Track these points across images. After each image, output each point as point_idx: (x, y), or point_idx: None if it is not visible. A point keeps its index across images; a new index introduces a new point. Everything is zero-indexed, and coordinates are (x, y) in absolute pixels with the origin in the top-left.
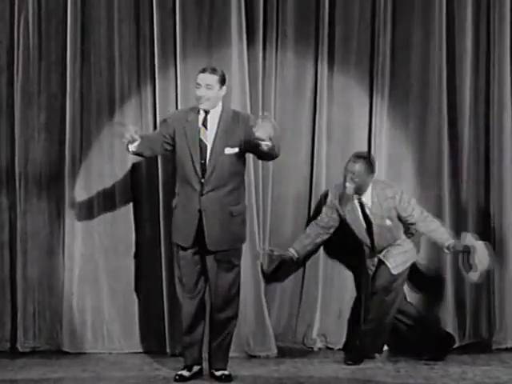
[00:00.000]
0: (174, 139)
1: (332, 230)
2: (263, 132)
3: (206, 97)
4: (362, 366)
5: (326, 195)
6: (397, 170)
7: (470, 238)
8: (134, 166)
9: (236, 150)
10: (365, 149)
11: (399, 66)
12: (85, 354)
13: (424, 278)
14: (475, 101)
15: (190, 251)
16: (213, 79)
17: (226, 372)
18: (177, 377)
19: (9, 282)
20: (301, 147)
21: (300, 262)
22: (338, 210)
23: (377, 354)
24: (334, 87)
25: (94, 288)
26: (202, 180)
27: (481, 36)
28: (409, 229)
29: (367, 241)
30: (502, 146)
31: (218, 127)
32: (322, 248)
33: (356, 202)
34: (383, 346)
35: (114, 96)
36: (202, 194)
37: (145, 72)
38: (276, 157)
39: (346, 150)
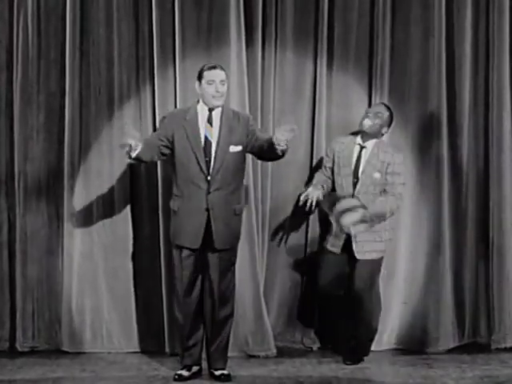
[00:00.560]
0: (172, 142)
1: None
2: (283, 136)
3: (221, 92)
4: (361, 366)
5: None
6: None
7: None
8: (133, 166)
9: (240, 148)
10: None
11: (398, 65)
12: (84, 353)
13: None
14: (474, 101)
15: (194, 252)
16: (224, 75)
17: (225, 372)
18: (176, 376)
19: (8, 282)
20: (300, 145)
21: None
22: (333, 155)
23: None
24: (333, 86)
25: (93, 288)
26: (209, 177)
27: (480, 36)
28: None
29: (349, 189)
30: (502, 146)
31: (221, 125)
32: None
33: (357, 146)
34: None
35: (113, 95)
36: (208, 193)
37: (144, 71)
38: (281, 158)
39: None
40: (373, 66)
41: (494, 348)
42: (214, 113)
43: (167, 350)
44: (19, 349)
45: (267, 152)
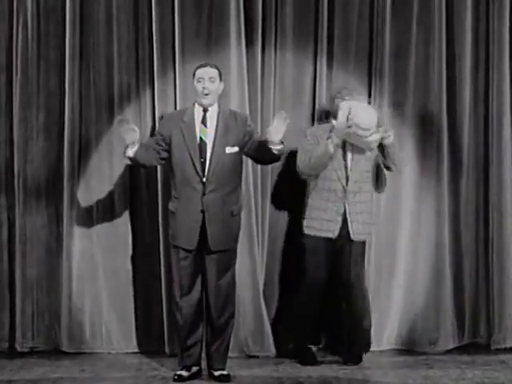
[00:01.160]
0: (169, 144)
1: None
2: (276, 133)
3: (210, 89)
4: (361, 366)
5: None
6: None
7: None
8: (133, 166)
9: (236, 149)
10: None
11: (398, 66)
12: (83, 354)
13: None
14: (475, 101)
15: (191, 253)
16: (214, 73)
17: (224, 372)
18: (175, 377)
19: (7, 282)
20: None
21: None
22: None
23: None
24: (333, 87)
25: (93, 288)
26: (204, 179)
27: (480, 36)
28: None
29: (342, 172)
30: (502, 147)
31: (217, 126)
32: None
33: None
34: None
35: (112, 96)
36: (203, 194)
37: (144, 72)
38: (277, 161)
39: None
40: (373, 67)
41: (493, 348)
42: (208, 113)
43: (167, 350)
44: (19, 349)
45: (264, 153)
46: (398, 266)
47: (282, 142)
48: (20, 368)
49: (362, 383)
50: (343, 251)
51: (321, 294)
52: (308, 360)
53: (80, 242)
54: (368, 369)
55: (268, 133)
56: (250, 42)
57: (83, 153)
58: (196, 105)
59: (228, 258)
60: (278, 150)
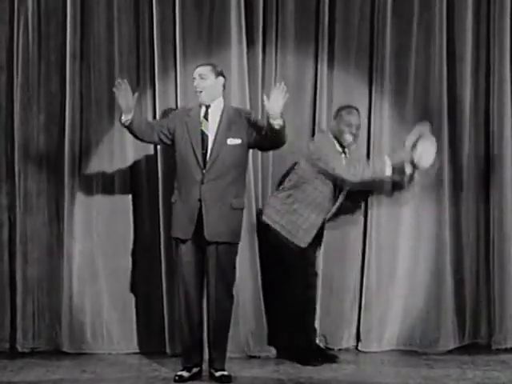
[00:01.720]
0: (173, 134)
1: None
2: (275, 104)
3: (201, 86)
4: (362, 366)
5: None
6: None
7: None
8: (134, 166)
9: (238, 141)
10: (364, 148)
11: (399, 65)
12: (84, 354)
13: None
14: (475, 101)
15: (190, 246)
16: (205, 69)
17: (225, 373)
18: (176, 377)
19: (8, 282)
20: (301, 147)
21: None
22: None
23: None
24: (334, 87)
25: (94, 288)
26: (204, 170)
27: (481, 36)
28: None
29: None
30: (503, 147)
31: (220, 120)
32: (322, 248)
33: (342, 155)
34: None
35: (113, 96)
36: (202, 183)
37: (144, 72)
38: (283, 143)
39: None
40: (373, 67)
41: (494, 349)
42: (210, 109)
43: (167, 350)
44: (19, 350)
45: (267, 134)
46: (398, 266)
47: (283, 117)
48: (21, 368)
49: None
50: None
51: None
52: (309, 360)
53: (80, 243)
54: (369, 369)
55: (267, 106)
56: (250, 42)
57: (84, 153)
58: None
59: (227, 251)
60: (280, 125)
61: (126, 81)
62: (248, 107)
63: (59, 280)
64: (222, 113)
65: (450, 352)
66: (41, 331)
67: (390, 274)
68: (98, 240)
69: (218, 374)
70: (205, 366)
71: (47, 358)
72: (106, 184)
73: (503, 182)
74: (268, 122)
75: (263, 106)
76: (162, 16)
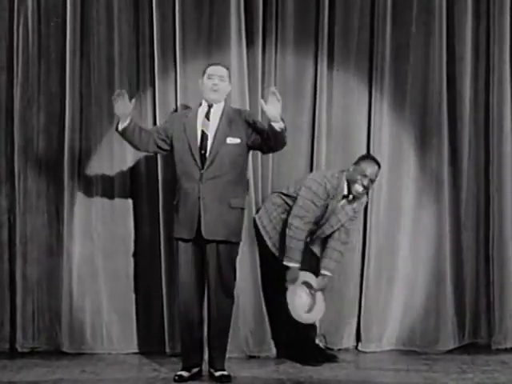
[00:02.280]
0: (171, 138)
1: None
2: (273, 108)
3: (219, 86)
4: (362, 367)
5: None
6: (396, 170)
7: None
8: (134, 167)
9: (238, 140)
10: (364, 148)
11: (399, 65)
12: (84, 354)
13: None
14: (475, 100)
15: (190, 245)
16: (225, 72)
17: (225, 372)
18: (176, 377)
19: (8, 283)
20: (301, 147)
21: None
22: (327, 206)
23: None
24: (333, 87)
25: (93, 288)
26: (202, 170)
27: (480, 36)
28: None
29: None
30: (503, 147)
31: (220, 120)
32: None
33: (346, 201)
34: None
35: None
36: (201, 182)
37: (144, 73)
38: (284, 145)
39: (346, 150)
40: (373, 67)
41: (494, 349)
42: (212, 109)
43: (167, 350)
44: (19, 350)
45: (268, 136)
46: (398, 267)
47: (283, 120)
48: (20, 368)
49: None
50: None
51: None
52: (309, 360)
53: (80, 243)
54: (369, 369)
55: (265, 111)
56: (250, 42)
57: (84, 153)
58: (202, 102)
59: (227, 250)
60: (280, 128)
61: (124, 90)
62: (248, 107)
63: (59, 280)
64: (223, 112)
65: (449, 352)
66: (40, 331)
67: (389, 274)
68: (97, 240)
69: (217, 373)
70: (204, 365)
71: (47, 358)
72: (106, 184)
73: (503, 182)
74: (269, 125)
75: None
76: (161, 16)
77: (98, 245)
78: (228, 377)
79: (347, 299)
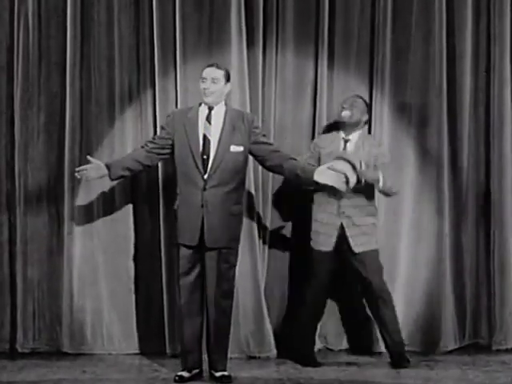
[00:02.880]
0: (172, 139)
1: None
2: (325, 180)
3: (211, 90)
4: (362, 367)
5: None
6: (397, 167)
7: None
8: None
9: (241, 148)
10: None
11: (399, 65)
12: (84, 354)
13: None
14: (475, 100)
15: (192, 251)
16: (219, 74)
17: (225, 373)
18: (176, 378)
19: (8, 283)
20: (301, 146)
21: None
22: (318, 152)
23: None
24: (334, 87)
25: (94, 289)
26: (205, 176)
27: (481, 36)
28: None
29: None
30: (503, 146)
31: (223, 124)
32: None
33: (342, 140)
34: None
35: (113, 96)
36: (204, 189)
37: (145, 73)
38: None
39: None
40: (374, 66)
41: (494, 349)
42: (213, 111)
43: (168, 351)
44: (20, 350)
45: (288, 178)
46: (398, 267)
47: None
48: (21, 369)
49: None
50: (349, 264)
51: (324, 300)
52: (309, 361)
53: (81, 243)
54: (369, 369)
55: (321, 171)
56: (250, 43)
57: (84, 153)
58: (202, 105)
59: (227, 257)
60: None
61: (83, 167)
62: (248, 107)
63: (59, 281)
64: (225, 115)
65: (450, 352)
66: (41, 332)
67: (390, 273)
68: (98, 240)
69: (218, 374)
70: (205, 365)
71: (47, 359)
72: (107, 184)
73: (503, 183)
74: (299, 174)
75: (263, 106)
76: (162, 16)
77: (98, 245)
78: (228, 377)
79: (347, 299)
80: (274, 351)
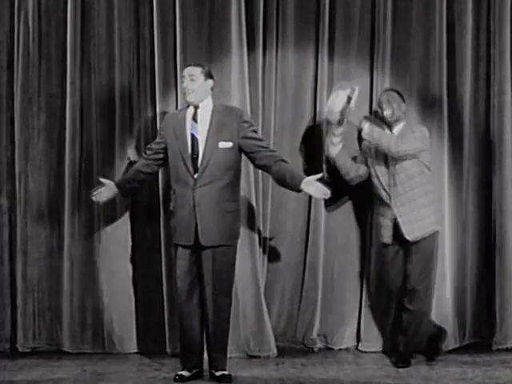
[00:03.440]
0: (166, 143)
1: None
2: (311, 190)
3: (190, 88)
4: (362, 367)
5: None
6: None
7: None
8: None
9: (230, 144)
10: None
11: (399, 62)
12: (84, 354)
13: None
14: (475, 100)
15: (189, 251)
16: (196, 71)
17: (225, 372)
18: (177, 377)
19: (8, 283)
20: (301, 146)
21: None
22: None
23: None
24: (334, 83)
25: (94, 288)
26: (195, 175)
27: (481, 35)
28: None
29: (385, 174)
30: (503, 145)
31: (210, 122)
32: (322, 248)
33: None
34: None
35: (113, 96)
36: (195, 188)
37: (145, 73)
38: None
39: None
40: (374, 64)
41: (495, 349)
42: (199, 110)
43: (168, 350)
44: (20, 349)
45: (275, 180)
46: None
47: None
48: (21, 368)
49: None
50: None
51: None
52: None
53: (81, 243)
54: (368, 369)
55: (309, 182)
56: (251, 41)
57: (84, 153)
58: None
59: (223, 255)
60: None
61: (99, 188)
62: (248, 104)
63: (59, 280)
64: (212, 113)
65: (450, 352)
66: (41, 331)
67: None
68: (98, 240)
69: (218, 373)
70: (205, 365)
71: (48, 358)
72: None
73: (503, 182)
74: (293, 181)
75: (263, 106)
76: (162, 16)
77: (98, 244)
78: (229, 376)
79: (347, 299)
80: (275, 351)
